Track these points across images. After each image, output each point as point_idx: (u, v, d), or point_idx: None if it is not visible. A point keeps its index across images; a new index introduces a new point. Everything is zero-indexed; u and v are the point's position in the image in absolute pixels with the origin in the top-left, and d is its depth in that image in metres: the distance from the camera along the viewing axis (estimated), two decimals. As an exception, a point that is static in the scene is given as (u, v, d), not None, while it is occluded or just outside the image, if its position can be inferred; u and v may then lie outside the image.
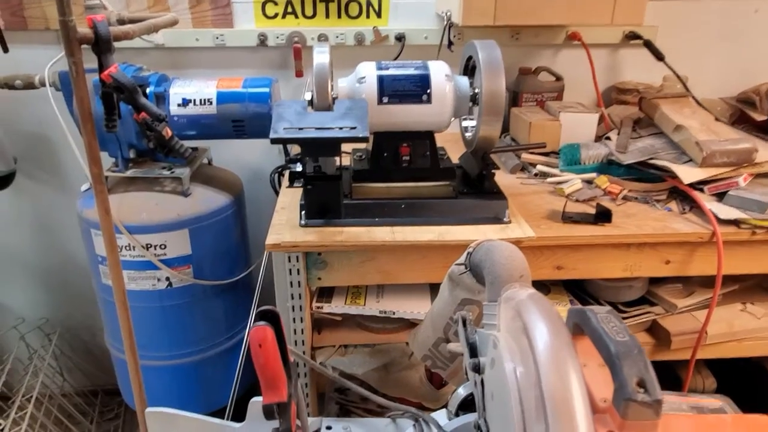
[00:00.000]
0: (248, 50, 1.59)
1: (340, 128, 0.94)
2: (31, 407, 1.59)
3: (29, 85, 1.41)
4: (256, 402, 0.68)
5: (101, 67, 1.03)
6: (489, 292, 0.71)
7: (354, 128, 0.94)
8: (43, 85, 1.38)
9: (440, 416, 0.86)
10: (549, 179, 1.33)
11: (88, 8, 1.28)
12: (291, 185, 1.07)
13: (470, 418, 0.74)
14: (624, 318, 1.24)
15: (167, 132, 1.11)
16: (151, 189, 1.37)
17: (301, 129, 0.95)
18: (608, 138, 1.38)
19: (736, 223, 1.11)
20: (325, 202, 1.03)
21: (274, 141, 0.94)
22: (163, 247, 1.34)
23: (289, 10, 1.54)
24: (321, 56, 1.01)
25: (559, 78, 1.62)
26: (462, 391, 0.81)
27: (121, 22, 1.31)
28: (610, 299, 1.27)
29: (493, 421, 0.59)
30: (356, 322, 1.22)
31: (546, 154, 1.42)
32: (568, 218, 1.12)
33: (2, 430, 1.47)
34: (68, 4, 0.97)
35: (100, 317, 1.52)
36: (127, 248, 1.33)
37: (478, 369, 0.64)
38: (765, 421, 0.55)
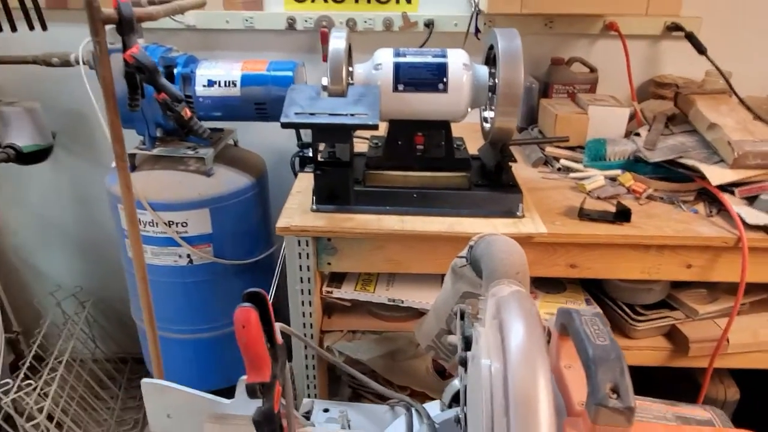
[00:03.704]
0: (277, 33, 1.60)
1: (351, 114, 0.94)
2: (61, 369, 1.67)
3: (65, 63, 1.46)
4: (244, 380, 0.69)
5: (125, 47, 1.06)
6: (485, 286, 0.70)
7: (365, 115, 0.93)
8: (78, 63, 1.43)
9: (434, 407, 0.86)
10: (571, 174, 1.29)
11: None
12: (302, 170, 1.07)
13: (458, 411, 0.74)
14: (641, 321, 1.20)
15: (186, 112, 1.14)
16: (176, 168, 1.41)
17: (312, 114, 0.95)
18: (637, 134, 1.33)
19: (765, 228, 1.05)
20: (335, 187, 1.03)
21: (284, 125, 0.94)
22: (184, 225, 1.38)
23: (319, -6, 1.54)
24: (337, 41, 1.01)
25: (593, 69, 1.57)
26: (457, 383, 0.80)
27: (152, 3, 1.33)
28: (628, 301, 1.23)
29: (470, 413, 0.59)
30: (366, 308, 1.23)
31: (572, 149, 1.38)
32: (585, 215, 1.09)
33: (34, 388, 1.55)
34: (94, -15, 0.99)
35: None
36: (151, 224, 1.37)
37: (464, 363, 0.64)
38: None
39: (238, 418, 0.71)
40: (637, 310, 1.21)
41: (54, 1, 1.56)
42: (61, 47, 1.47)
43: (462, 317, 0.70)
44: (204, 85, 1.35)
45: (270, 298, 1.51)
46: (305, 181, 1.22)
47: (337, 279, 1.21)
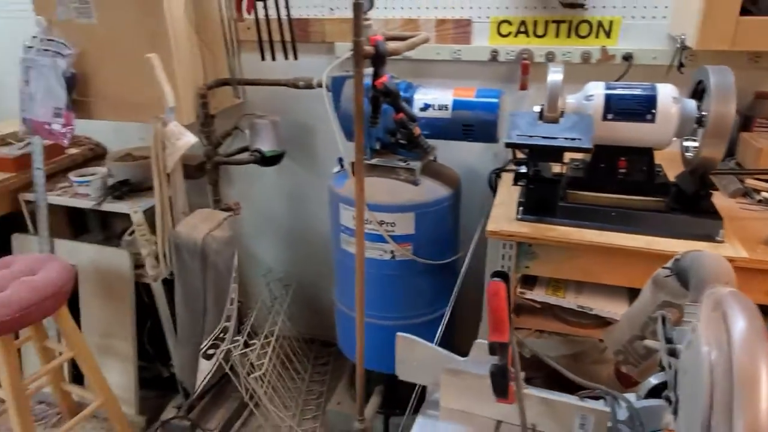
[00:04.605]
0: (480, 64, 1.80)
1: (566, 138, 1.09)
2: (273, 339, 2.00)
3: (308, 86, 1.80)
4: (480, 342, 0.86)
5: (376, 76, 1.32)
6: (693, 293, 0.80)
7: (579, 140, 1.08)
8: (319, 86, 1.76)
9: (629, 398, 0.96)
10: (773, 207, 1.30)
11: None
12: (515, 184, 1.24)
13: (659, 402, 0.84)
14: None
15: (416, 130, 1.37)
16: (388, 176, 1.66)
17: (530, 137, 1.12)
18: None
19: None
20: (543, 201, 1.18)
21: (508, 145, 1.12)
22: (392, 225, 1.61)
23: (522, 29, 1.71)
24: (555, 75, 1.17)
25: (800, 105, 1.54)
26: (653, 380, 0.91)
27: (391, 39, 1.60)
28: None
29: (684, 393, 0.70)
30: (553, 312, 1.35)
31: (774, 182, 1.39)
32: (789, 246, 1.12)
33: (252, 349, 1.88)
34: (361, 28, 1.26)
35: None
36: (366, 222, 1.62)
37: (674, 353, 0.76)
38: None
39: (470, 374, 0.89)
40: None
41: (301, 36, 1.91)
42: (300, 73, 1.82)
43: (663, 322, 0.82)
44: (420, 108, 1.58)
45: (453, 297, 1.70)
46: (505, 194, 1.39)
47: (529, 282, 1.36)
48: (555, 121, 1.16)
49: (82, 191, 1.94)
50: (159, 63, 1.57)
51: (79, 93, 1.80)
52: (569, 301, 1.28)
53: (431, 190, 1.64)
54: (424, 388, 1.59)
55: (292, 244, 2.33)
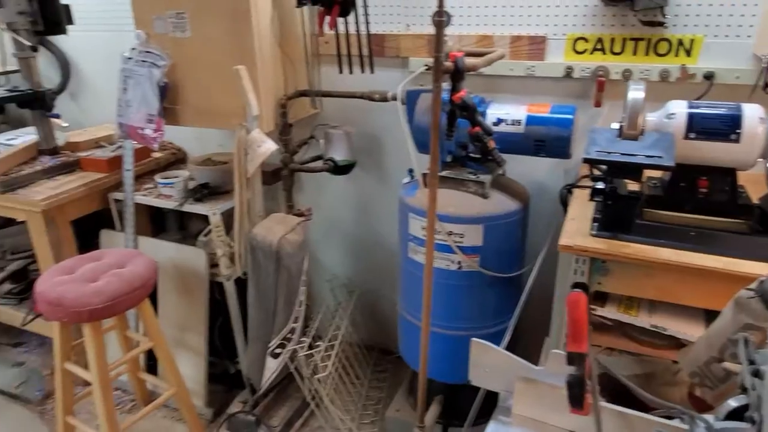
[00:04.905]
0: (552, 80, 1.81)
1: (647, 156, 1.09)
2: (337, 342, 2.06)
3: (383, 99, 1.86)
4: (555, 353, 0.88)
5: (454, 91, 1.36)
6: (781, 315, 0.80)
7: (660, 157, 1.08)
8: (393, 99, 1.81)
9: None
10: None
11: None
12: (592, 199, 1.25)
13: (740, 424, 0.83)
14: None
15: (491, 144, 1.40)
16: (458, 188, 1.69)
17: (610, 153, 1.13)
18: None
19: None
20: (619, 218, 1.19)
21: (586, 160, 1.13)
22: (461, 236, 1.64)
23: (598, 46, 1.72)
24: (636, 93, 1.17)
25: None
26: (733, 402, 0.90)
27: (469, 55, 1.64)
28: None
29: (768, 414, 0.70)
30: (624, 330, 1.34)
31: None
32: None
33: (318, 350, 1.95)
34: (441, 44, 1.30)
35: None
36: (435, 232, 1.66)
37: (757, 374, 0.75)
38: None
39: (544, 383, 0.90)
40: None
41: (376, 51, 1.98)
42: (374, 87, 1.88)
43: (746, 344, 0.81)
44: (492, 123, 1.61)
45: (518, 310, 1.71)
46: (577, 211, 1.40)
47: (599, 298, 1.35)
48: (635, 138, 1.16)
49: (166, 192, 2.07)
50: (246, 74, 1.68)
51: (168, 101, 1.94)
52: (642, 319, 1.27)
53: (501, 204, 1.66)
54: (485, 400, 1.61)
55: (357, 251, 2.39)
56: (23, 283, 2.46)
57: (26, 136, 2.34)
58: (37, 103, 2.16)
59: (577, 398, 0.84)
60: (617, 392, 1.34)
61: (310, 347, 1.92)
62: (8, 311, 2.35)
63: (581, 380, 0.82)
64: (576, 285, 0.80)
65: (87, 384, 1.78)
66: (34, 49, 2.09)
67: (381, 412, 2.14)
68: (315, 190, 2.34)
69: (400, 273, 1.89)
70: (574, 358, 0.81)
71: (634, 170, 1.11)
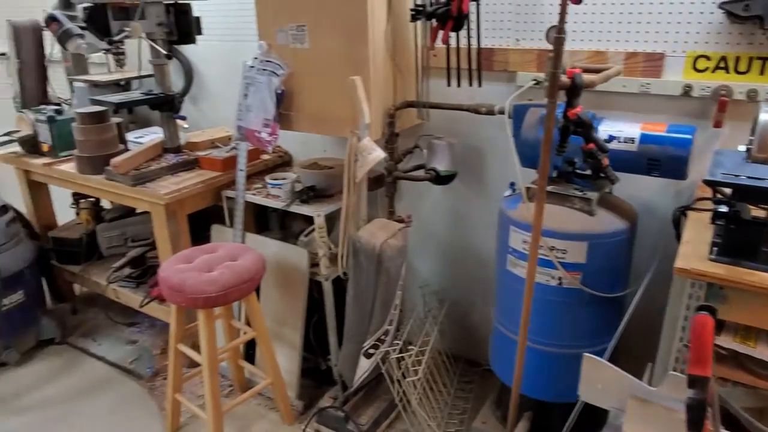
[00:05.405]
0: (668, 98, 1.75)
1: (780, 181, 1.04)
2: (428, 351, 2.09)
3: (489, 112, 1.89)
4: (674, 375, 0.87)
5: (570, 106, 1.37)
6: None
7: (795, 183, 1.03)
8: (501, 113, 1.83)
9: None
10: None
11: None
12: (713, 222, 1.21)
13: None
14: None
15: (605, 161, 1.38)
16: (563, 204, 1.68)
17: (737, 176, 1.09)
18: None
19: None
20: (743, 243, 1.14)
21: (708, 182, 1.10)
22: (563, 252, 1.63)
23: (721, 65, 1.65)
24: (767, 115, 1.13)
25: None
26: None
27: (585, 71, 1.63)
28: None
29: None
30: (739, 361, 1.28)
31: None
32: None
33: (410, 354, 1.99)
34: (560, 60, 1.32)
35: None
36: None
37: None
38: None
39: (658, 405, 0.89)
40: None
41: (485, 65, 2.02)
42: (477, 99, 1.91)
43: None
44: (605, 140, 1.59)
45: (619, 332, 1.67)
46: (692, 234, 1.35)
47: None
48: (765, 162, 1.11)
49: (275, 192, 2.20)
50: (361, 85, 1.76)
51: (284, 107, 2.06)
52: (761, 351, 1.21)
53: (607, 222, 1.63)
54: (577, 420, 1.58)
55: (451, 260, 2.42)
56: (141, 268, 2.69)
57: (152, 135, 2.58)
58: (167, 106, 2.37)
59: (696, 422, 0.82)
60: (728, 423, 1.28)
61: (401, 351, 1.97)
62: (127, 294, 2.59)
63: (702, 404, 0.80)
64: (702, 307, 0.79)
65: (193, 366, 1.92)
66: (169, 56, 2.30)
67: (466, 422, 2.15)
68: (413, 198, 2.40)
69: (497, 285, 1.90)
70: (695, 381, 0.80)
71: (763, 195, 1.07)
